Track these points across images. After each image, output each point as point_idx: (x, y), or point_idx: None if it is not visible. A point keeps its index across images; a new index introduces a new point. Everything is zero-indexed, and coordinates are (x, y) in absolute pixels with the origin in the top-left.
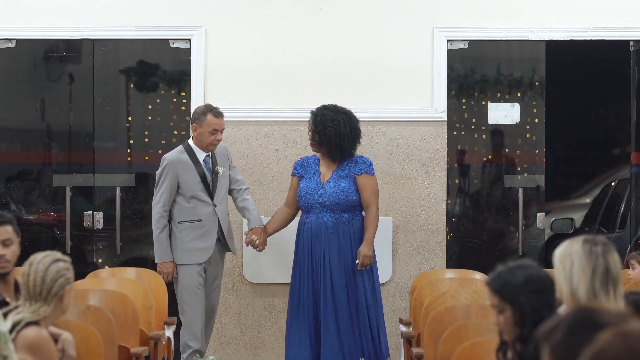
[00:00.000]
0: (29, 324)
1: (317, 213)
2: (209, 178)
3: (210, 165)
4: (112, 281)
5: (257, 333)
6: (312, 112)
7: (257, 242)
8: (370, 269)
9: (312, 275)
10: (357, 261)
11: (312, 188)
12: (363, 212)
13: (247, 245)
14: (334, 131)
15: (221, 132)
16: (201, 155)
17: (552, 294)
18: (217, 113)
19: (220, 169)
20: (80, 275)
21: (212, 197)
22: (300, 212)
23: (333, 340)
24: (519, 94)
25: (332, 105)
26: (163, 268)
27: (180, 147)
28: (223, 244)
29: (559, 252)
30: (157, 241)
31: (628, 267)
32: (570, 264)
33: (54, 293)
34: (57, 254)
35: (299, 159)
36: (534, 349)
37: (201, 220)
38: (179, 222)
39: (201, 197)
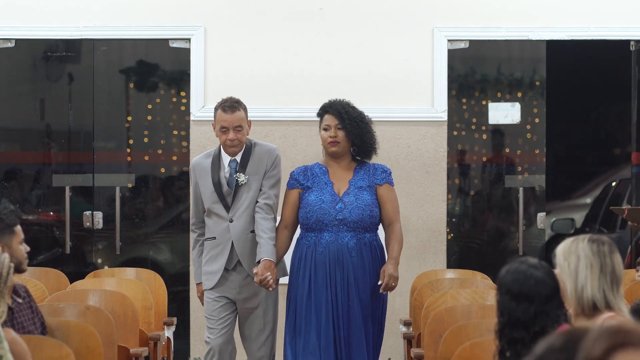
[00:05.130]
0: None
1: (335, 232)
2: (224, 187)
3: (235, 171)
4: (112, 281)
5: None
6: (327, 110)
7: (271, 280)
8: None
9: (327, 304)
10: (379, 282)
11: (328, 202)
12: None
13: (259, 284)
14: (361, 121)
15: (235, 130)
16: (226, 159)
17: (549, 304)
18: (227, 107)
19: (242, 177)
20: (79, 275)
21: (228, 210)
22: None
23: None
24: (519, 94)
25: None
26: (197, 290)
27: (213, 149)
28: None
29: (562, 250)
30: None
31: (629, 268)
32: (576, 262)
33: (9, 285)
34: None
35: (297, 168)
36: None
37: (215, 238)
38: (204, 240)
39: (216, 209)
